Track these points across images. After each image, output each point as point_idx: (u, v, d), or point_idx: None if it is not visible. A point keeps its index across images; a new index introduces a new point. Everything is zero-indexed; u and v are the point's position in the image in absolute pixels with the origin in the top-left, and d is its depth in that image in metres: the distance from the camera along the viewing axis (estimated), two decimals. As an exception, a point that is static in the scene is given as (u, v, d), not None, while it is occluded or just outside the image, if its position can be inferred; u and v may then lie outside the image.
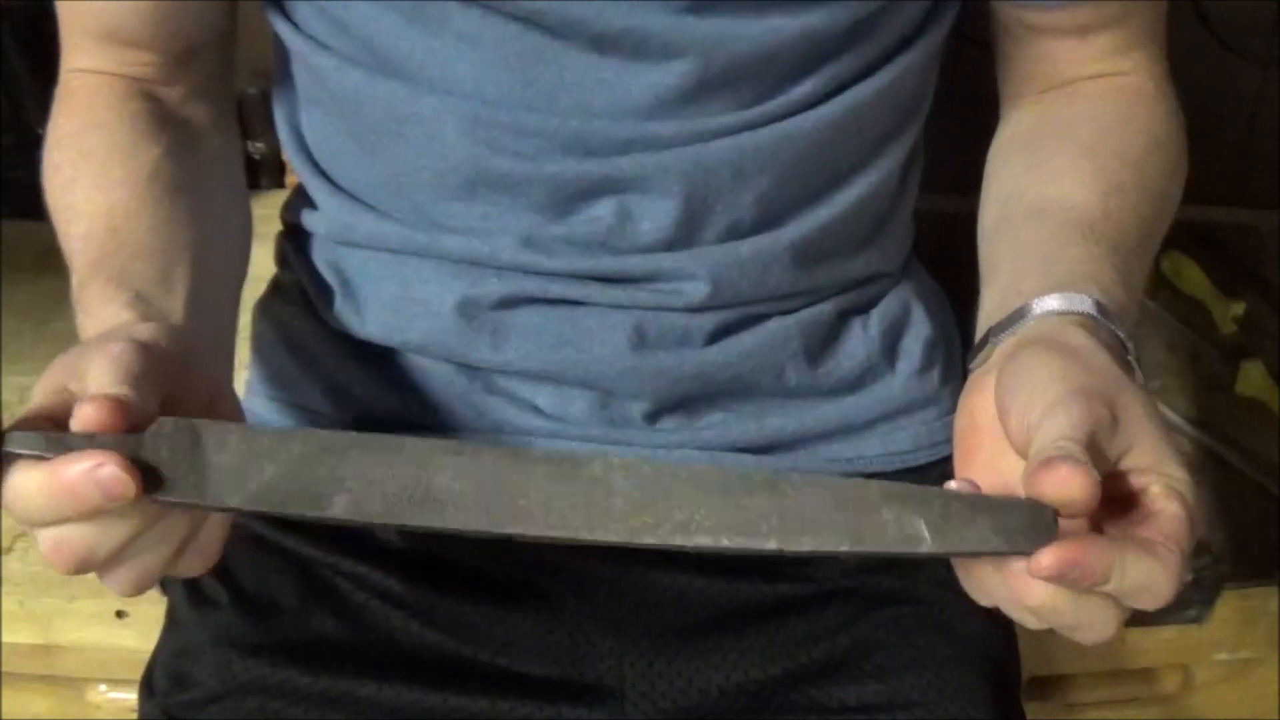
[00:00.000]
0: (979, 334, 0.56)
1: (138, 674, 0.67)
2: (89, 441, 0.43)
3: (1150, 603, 0.45)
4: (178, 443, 0.44)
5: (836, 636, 0.66)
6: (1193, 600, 0.90)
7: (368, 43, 0.62)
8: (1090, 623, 0.47)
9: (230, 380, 0.59)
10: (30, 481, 0.43)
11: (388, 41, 0.61)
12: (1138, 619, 0.89)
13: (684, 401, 0.68)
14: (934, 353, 0.73)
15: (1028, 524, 0.45)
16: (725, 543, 0.44)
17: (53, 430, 0.44)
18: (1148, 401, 0.49)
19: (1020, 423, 0.48)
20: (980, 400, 0.51)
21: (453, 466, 0.44)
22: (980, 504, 0.46)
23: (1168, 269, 1.15)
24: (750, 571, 0.69)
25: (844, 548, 0.45)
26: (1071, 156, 0.63)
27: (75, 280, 0.57)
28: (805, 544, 0.45)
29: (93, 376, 0.45)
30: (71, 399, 0.45)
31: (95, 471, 0.42)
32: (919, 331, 0.73)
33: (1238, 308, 1.11)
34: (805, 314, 0.69)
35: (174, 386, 0.48)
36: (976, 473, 0.50)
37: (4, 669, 0.91)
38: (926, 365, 0.72)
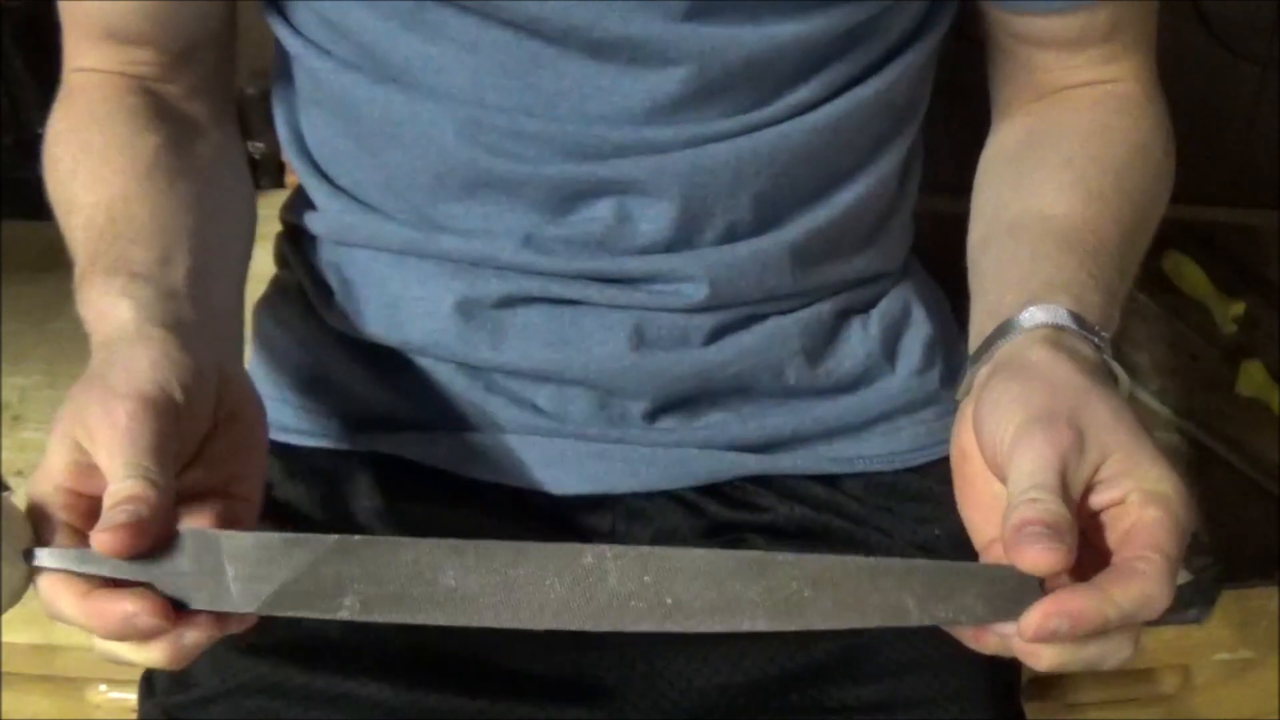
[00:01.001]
0: (969, 360, 0.57)
1: (138, 674, 0.67)
2: (114, 567, 0.46)
3: (1150, 615, 0.46)
4: (196, 552, 0.46)
5: (836, 636, 0.66)
6: (1193, 600, 0.90)
7: (366, 48, 0.62)
8: (1103, 655, 0.47)
9: (239, 360, 0.60)
10: (67, 606, 0.46)
11: (386, 47, 0.62)
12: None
13: (683, 401, 0.68)
14: (934, 352, 0.73)
15: (1013, 590, 0.46)
16: (715, 626, 0.47)
17: (75, 504, 0.47)
18: (1116, 405, 0.49)
19: (993, 456, 0.49)
20: (965, 430, 0.52)
21: (454, 566, 0.47)
22: (966, 573, 0.47)
23: (1168, 269, 1.15)
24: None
25: (830, 625, 0.47)
26: (1052, 168, 0.64)
27: (76, 271, 0.57)
28: (792, 624, 0.47)
29: (103, 451, 0.47)
30: (85, 459, 0.47)
31: (132, 619, 0.45)
32: (919, 331, 0.73)
33: (1238, 308, 1.11)
34: (804, 314, 0.69)
35: (187, 414, 0.49)
36: (975, 502, 0.52)
37: (4, 669, 0.91)
38: (927, 365, 0.73)
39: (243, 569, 0.46)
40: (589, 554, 0.47)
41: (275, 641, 0.63)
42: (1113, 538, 0.47)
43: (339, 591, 0.47)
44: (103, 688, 0.94)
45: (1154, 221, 0.65)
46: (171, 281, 0.56)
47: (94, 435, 0.47)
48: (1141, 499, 0.46)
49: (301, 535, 0.47)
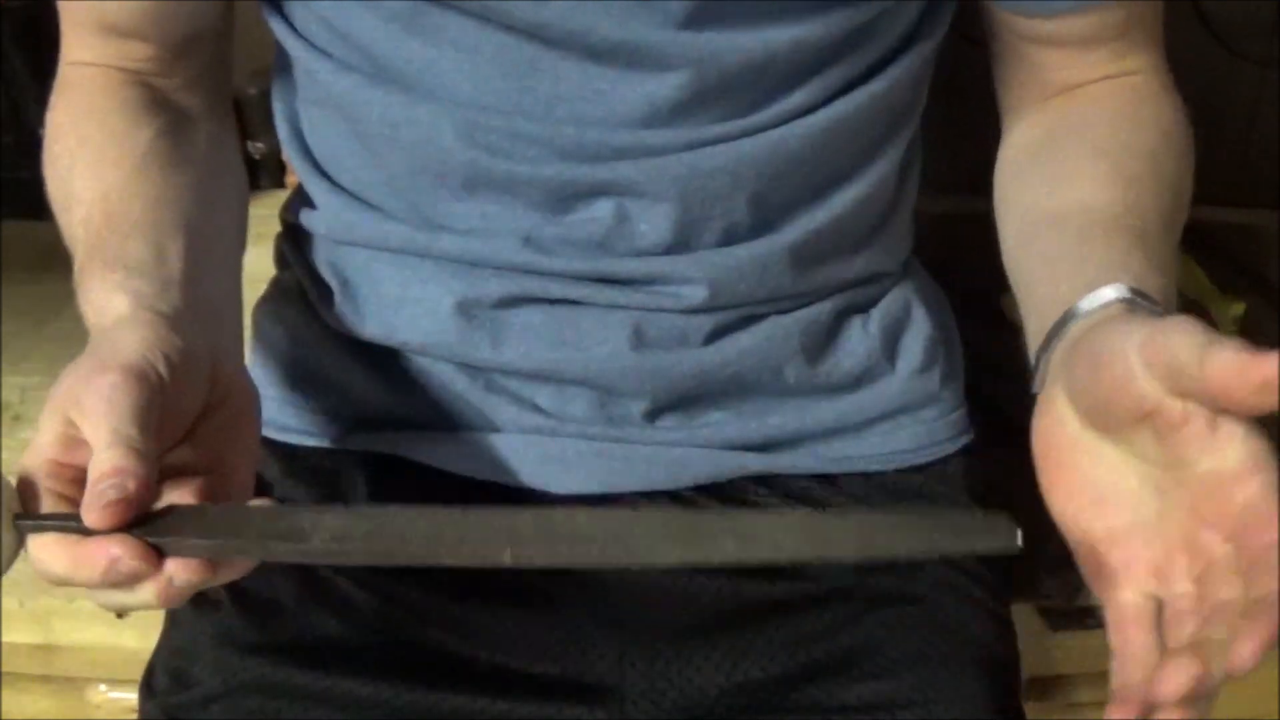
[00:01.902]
0: (1031, 356, 0.56)
1: (138, 674, 0.67)
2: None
3: None
4: (176, 520, 0.48)
5: (836, 636, 0.66)
6: (1193, 600, 0.90)
7: (365, 50, 0.63)
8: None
9: (236, 347, 0.60)
10: (57, 562, 0.47)
11: (386, 49, 0.62)
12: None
13: (683, 400, 0.68)
14: (935, 352, 0.73)
15: (985, 529, 0.46)
16: (686, 556, 0.47)
17: (60, 472, 0.48)
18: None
19: (1119, 371, 0.46)
20: (1047, 421, 0.51)
21: (420, 519, 0.48)
22: (935, 513, 0.47)
23: (1168, 269, 1.15)
24: (751, 571, 0.69)
25: (803, 554, 0.47)
26: (1086, 158, 0.63)
27: (75, 266, 0.58)
28: (763, 553, 0.47)
29: (89, 421, 0.48)
30: (73, 432, 0.48)
31: (116, 563, 0.46)
32: (920, 330, 0.73)
33: (1238, 308, 1.11)
34: (804, 313, 0.69)
35: (174, 390, 0.50)
36: (1069, 491, 0.50)
37: (4, 669, 0.91)
38: (927, 364, 0.72)
39: (220, 524, 0.48)
40: (559, 512, 0.48)
41: (275, 641, 0.64)
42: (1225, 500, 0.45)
43: (307, 533, 0.48)
44: (103, 688, 0.94)
45: (1186, 208, 0.65)
46: (167, 273, 0.56)
47: (81, 406, 0.48)
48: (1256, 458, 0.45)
49: (279, 507, 0.49)
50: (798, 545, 0.46)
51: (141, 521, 0.47)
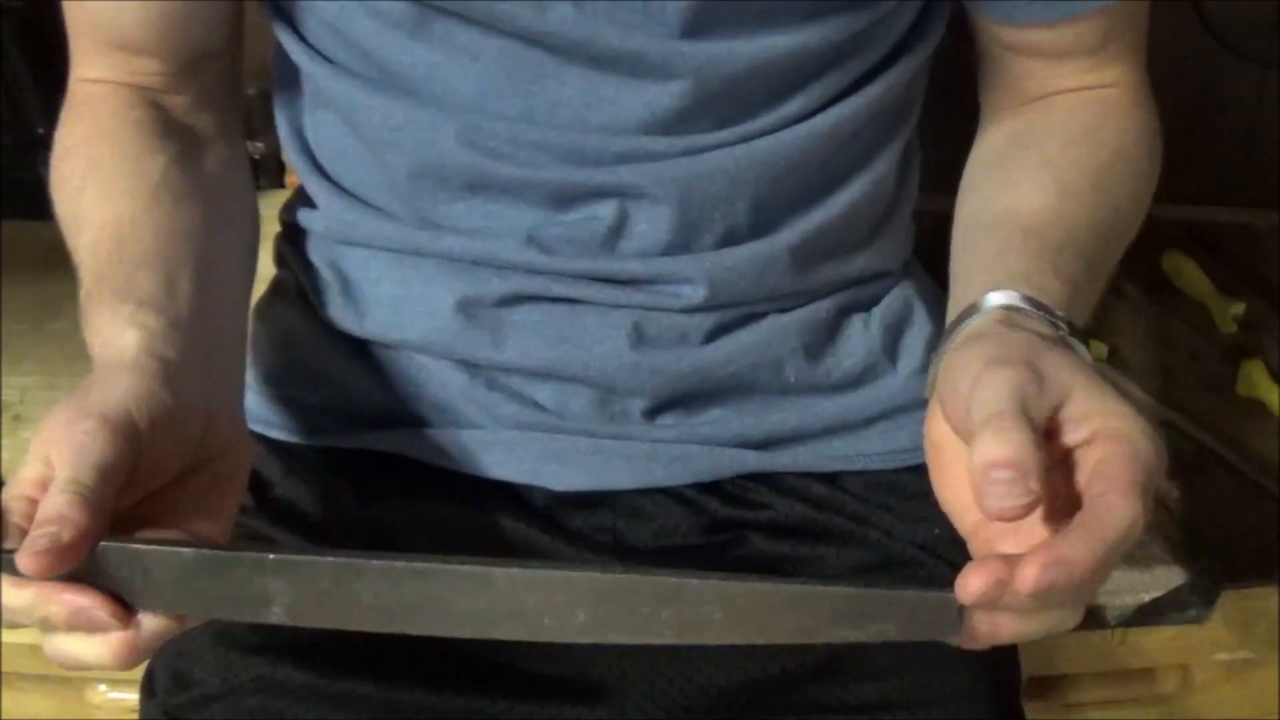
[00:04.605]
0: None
1: (138, 674, 0.67)
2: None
3: (1129, 540, 0.44)
4: (121, 564, 0.47)
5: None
6: (1193, 600, 0.90)
7: (369, 55, 0.63)
8: (1062, 619, 0.47)
9: (235, 398, 0.59)
10: (17, 596, 0.47)
11: (390, 54, 0.62)
12: (1138, 619, 0.90)
13: (684, 398, 0.68)
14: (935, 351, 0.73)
15: (932, 616, 0.46)
16: (622, 639, 0.47)
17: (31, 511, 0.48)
18: (1076, 359, 0.49)
19: (955, 408, 0.49)
20: (932, 422, 0.52)
21: (372, 580, 0.48)
22: (884, 600, 0.46)
23: (1168, 269, 1.15)
24: (751, 571, 0.68)
25: (740, 641, 0.47)
26: (1033, 166, 0.64)
27: (82, 293, 0.57)
28: (705, 638, 0.47)
29: (57, 464, 0.47)
30: (50, 472, 0.48)
31: (87, 611, 0.47)
32: (920, 330, 0.73)
33: (1238, 308, 1.11)
34: (804, 312, 0.69)
35: (152, 447, 0.49)
36: (953, 489, 0.51)
37: (4, 669, 0.91)
38: (928, 363, 0.72)
39: (170, 576, 0.47)
40: (498, 574, 0.47)
41: (275, 641, 0.63)
42: (1081, 477, 0.46)
43: (265, 602, 0.48)
44: (103, 688, 0.94)
45: (1131, 226, 0.65)
46: (176, 311, 0.56)
47: (55, 448, 0.48)
48: (1106, 435, 0.46)
49: (224, 553, 0.48)
50: (733, 629, 0.46)
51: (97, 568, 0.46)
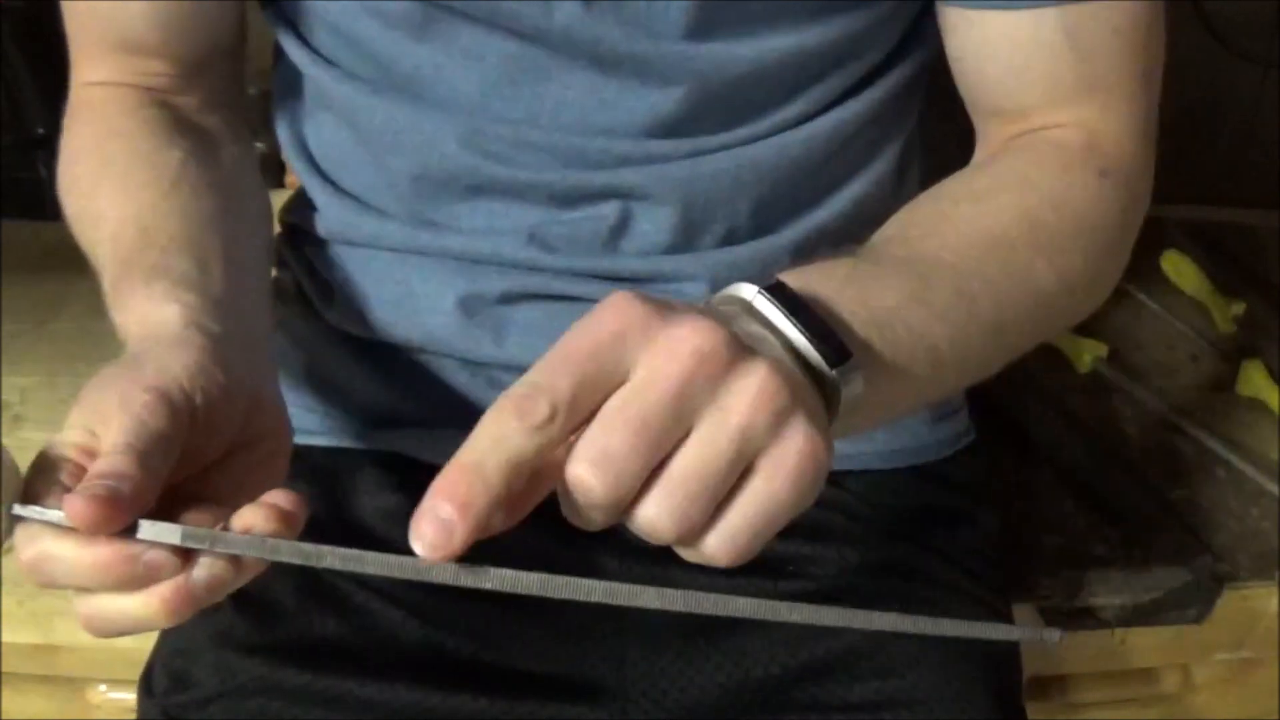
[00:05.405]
0: None
1: (137, 674, 0.67)
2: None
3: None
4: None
5: (837, 635, 0.66)
6: (1193, 600, 0.90)
7: (372, 56, 0.63)
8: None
9: (273, 381, 0.56)
10: (68, 550, 0.43)
11: (393, 56, 0.62)
12: (1138, 619, 0.90)
13: (684, 398, 0.68)
14: (936, 352, 0.73)
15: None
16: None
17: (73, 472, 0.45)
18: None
19: None
20: None
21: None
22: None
23: (1168, 269, 1.15)
24: (752, 570, 0.68)
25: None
26: (945, 198, 0.59)
27: (107, 280, 0.56)
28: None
29: (111, 432, 0.44)
30: (95, 444, 0.45)
31: (140, 555, 0.42)
32: (920, 330, 0.73)
33: (1238, 308, 1.11)
34: (804, 312, 0.69)
35: (205, 425, 0.47)
36: None
37: (4, 669, 0.91)
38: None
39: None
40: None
41: (275, 641, 0.64)
42: None
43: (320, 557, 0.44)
44: (103, 688, 0.94)
45: (1028, 273, 0.56)
46: (213, 291, 0.54)
47: (107, 420, 0.45)
48: None
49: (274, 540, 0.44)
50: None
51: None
